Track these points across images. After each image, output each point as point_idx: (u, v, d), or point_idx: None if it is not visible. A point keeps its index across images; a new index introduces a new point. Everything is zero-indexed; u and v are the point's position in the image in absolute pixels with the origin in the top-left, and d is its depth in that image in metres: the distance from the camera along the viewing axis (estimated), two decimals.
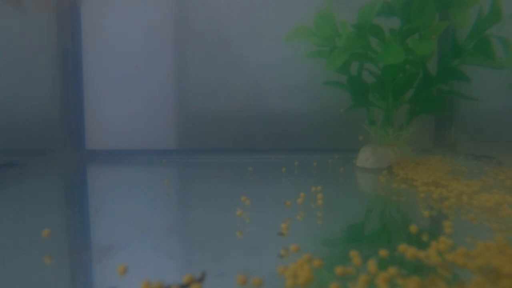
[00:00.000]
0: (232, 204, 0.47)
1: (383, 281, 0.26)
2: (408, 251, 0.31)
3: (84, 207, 0.51)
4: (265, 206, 0.48)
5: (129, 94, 0.88)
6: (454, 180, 0.57)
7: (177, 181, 0.70)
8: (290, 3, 0.87)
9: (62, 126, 0.88)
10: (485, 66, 0.70)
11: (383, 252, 0.32)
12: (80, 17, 0.87)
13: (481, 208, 0.45)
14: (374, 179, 0.65)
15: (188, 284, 0.27)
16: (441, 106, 0.77)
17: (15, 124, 0.74)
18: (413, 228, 0.38)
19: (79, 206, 0.52)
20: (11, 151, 0.73)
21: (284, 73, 0.88)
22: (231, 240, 0.37)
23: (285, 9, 0.87)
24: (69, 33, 0.87)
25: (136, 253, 0.34)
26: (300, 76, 0.88)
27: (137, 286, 0.26)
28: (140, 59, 0.88)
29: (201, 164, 0.81)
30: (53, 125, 0.86)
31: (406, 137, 0.76)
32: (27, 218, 0.46)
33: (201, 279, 0.28)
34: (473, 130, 0.86)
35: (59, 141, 0.87)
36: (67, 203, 0.54)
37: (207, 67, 0.88)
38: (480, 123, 0.84)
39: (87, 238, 0.39)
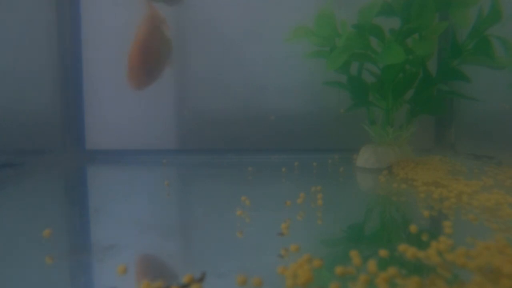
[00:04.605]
0: (232, 204, 0.47)
1: (383, 281, 0.26)
2: (408, 251, 0.31)
3: (84, 207, 0.51)
4: (265, 206, 0.48)
5: (129, 94, 0.88)
6: (454, 180, 0.57)
7: (177, 181, 0.70)
8: (290, 3, 0.87)
9: (62, 126, 0.88)
10: (485, 66, 0.70)
11: (383, 252, 0.32)
12: (80, 17, 0.87)
13: (481, 208, 0.45)
14: (374, 179, 0.65)
15: (188, 284, 0.27)
16: (441, 106, 0.77)
17: (15, 124, 0.74)
18: (413, 228, 0.38)
19: (79, 206, 0.52)
20: (11, 151, 0.73)
21: (284, 73, 0.88)
22: (231, 240, 0.37)
23: (285, 9, 0.87)
24: (69, 33, 0.87)
25: (136, 253, 0.34)
26: (300, 76, 0.88)
27: (137, 286, 0.26)
28: None
29: (201, 164, 0.81)
30: (53, 125, 0.86)
31: (406, 137, 0.76)
32: (27, 218, 0.46)
33: (201, 279, 0.28)
34: (473, 130, 0.86)
35: (59, 141, 0.87)
36: (67, 203, 0.54)
37: (207, 67, 0.88)
38: (480, 123, 0.84)
39: (87, 238, 0.39)
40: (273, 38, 0.87)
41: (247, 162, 0.79)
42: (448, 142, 0.91)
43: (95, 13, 0.87)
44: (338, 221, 0.44)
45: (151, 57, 0.74)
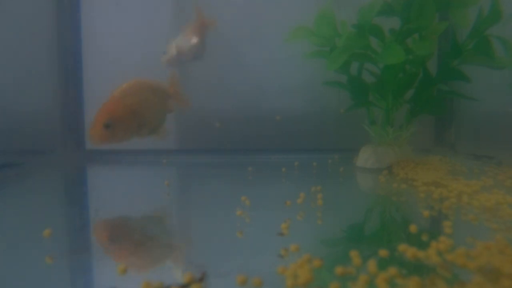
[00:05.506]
0: (232, 204, 0.47)
1: (383, 281, 0.26)
2: (408, 251, 0.31)
3: (84, 207, 0.51)
4: (265, 206, 0.48)
5: None
6: (454, 180, 0.57)
7: (177, 181, 0.70)
8: (290, 3, 0.87)
9: (62, 126, 0.88)
10: (485, 66, 0.70)
11: (383, 252, 0.32)
12: (80, 17, 0.87)
13: (481, 208, 0.45)
14: (374, 179, 0.65)
15: (188, 284, 0.27)
16: (441, 106, 0.77)
17: (15, 124, 0.74)
18: (413, 228, 0.38)
19: (79, 206, 0.52)
20: (11, 151, 0.73)
21: (284, 73, 0.88)
22: (231, 240, 0.37)
23: (285, 9, 0.87)
24: (69, 33, 0.87)
25: (136, 253, 0.34)
26: (300, 76, 0.88)
27: (137, 286, 0.26)
28: (140, 58, 0.88)
29: (201, 164, 0.81)
30: (53, 125, 0.86)
31: (406, 137, 0.76)
32: (27, 218, 0.45)
33: (201, 279, 0.28)
34: (473, 130, 0.86)
35: (59, 141, 0.87)
36: (67, 203, 0.54)
37: (207, 67, 0.88)
38: (480, 123, 0.84)
39: (87, 238, 0.39)
40: (273, 38, 0.87)
41: (247, 162, 0.79)
42: (448, 142, 0.91)
43: (95, 13, 0.87)
44: (338, 221, 0.44)
45: (122, 120, 0.66)
